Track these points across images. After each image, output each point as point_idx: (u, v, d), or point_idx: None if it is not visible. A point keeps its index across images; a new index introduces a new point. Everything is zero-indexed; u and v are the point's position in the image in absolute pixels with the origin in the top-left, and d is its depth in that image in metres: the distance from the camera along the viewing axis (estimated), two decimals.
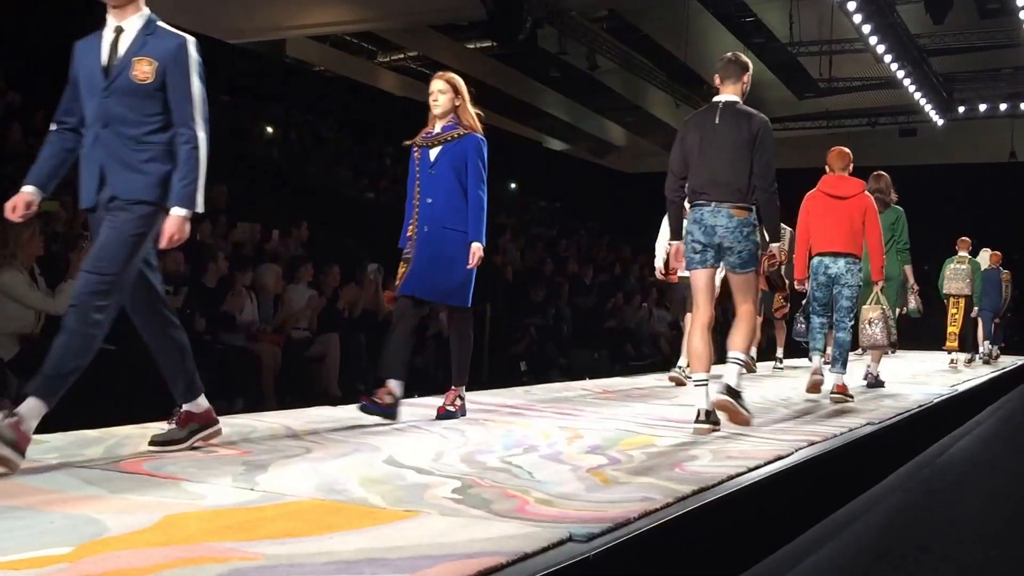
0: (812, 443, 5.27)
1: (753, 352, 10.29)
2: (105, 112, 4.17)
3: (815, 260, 7.85)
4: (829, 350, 8.34)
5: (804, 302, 10.04)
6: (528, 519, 3.24)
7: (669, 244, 5.94)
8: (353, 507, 3.39)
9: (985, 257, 14.92)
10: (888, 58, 20.31)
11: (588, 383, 8.95)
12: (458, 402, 5.95)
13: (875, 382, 9.06)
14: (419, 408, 6.25)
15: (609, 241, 22.09)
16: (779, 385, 9.07)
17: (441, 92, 5.89)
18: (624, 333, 15.70)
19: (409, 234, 5.82)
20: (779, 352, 11.57)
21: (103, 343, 4.18)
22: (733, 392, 5.57)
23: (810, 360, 8.34)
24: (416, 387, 8.66)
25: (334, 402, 6.90)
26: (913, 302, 9.90)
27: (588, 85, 26.94)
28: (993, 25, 21.30)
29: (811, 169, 8.70)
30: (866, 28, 18.80)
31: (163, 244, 4.19)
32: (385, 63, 27.59)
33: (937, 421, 8.16)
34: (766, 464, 4.53)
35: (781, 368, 11.03)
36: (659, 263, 8.99)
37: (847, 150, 8.14)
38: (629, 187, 27.85)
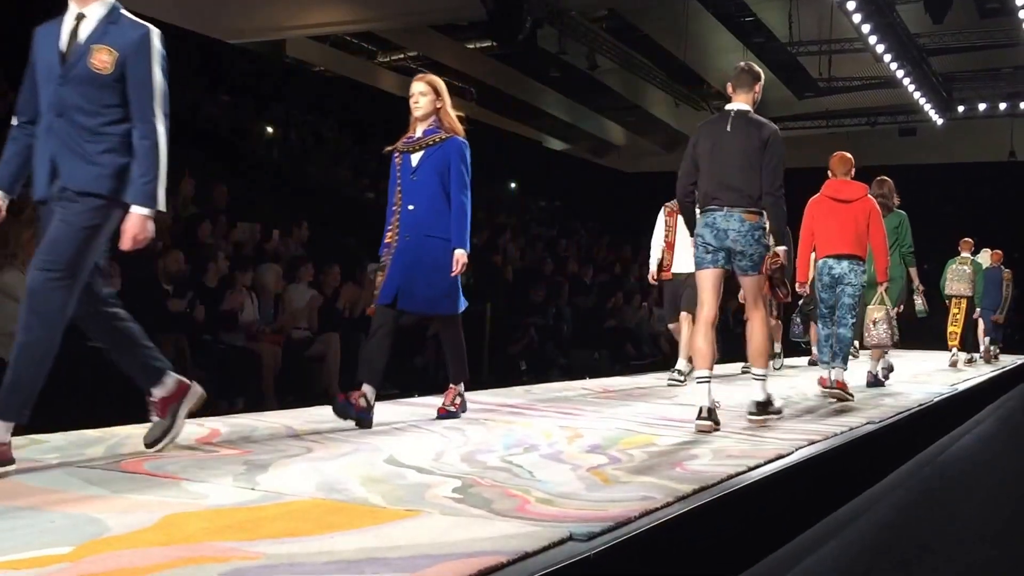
0: (812, 442, 5.28)
1: (777, 347, 10.33)
2: (60, 101, 3.97)
3: (820, 263, 7.97)
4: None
5: (801, 303, 10.05)
6: (529, 518, 3.25)
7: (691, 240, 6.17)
8: (354, 506, 3.39)
9: (986, 256, 14.95)
10: (887, 58, 20.31)
11: (588, 382, 8.96)
12: (458, 400, 5.92)
13: (875, 381, 9.15)
14: (419, 408, 6.26)
15: (609, 241, 22.09)
16: (778, 385, 9.05)
17: (422, 94, 5.75)
18: (624, 333, 15.71)
19: (388, 240, 5.65)
20: (776, 348, 11.31)
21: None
22: (762, 407, 5.95)
23: (819, 364, 8.45)
24: (416, 387, 8.68)
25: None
26: (919, 303, 9.98)
27: (588, 85, 26.93)
28: (992, 25, 21.30)
29: (811, 169, 8.74)
30: (865, 28, 18.79)
31: (126, 245, 3.98)
32: (385, 63, 27.57)
33: (937, 420, 8.16)
34: (766, 463, 4.54)
35: (778, 368, 10.96)
36: (653, 267, 9.01)
37: (849, 155, 8.22)
38: (629, 187, 27.83)
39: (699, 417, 5.58)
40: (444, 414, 5.82)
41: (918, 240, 9.71)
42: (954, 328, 13.90)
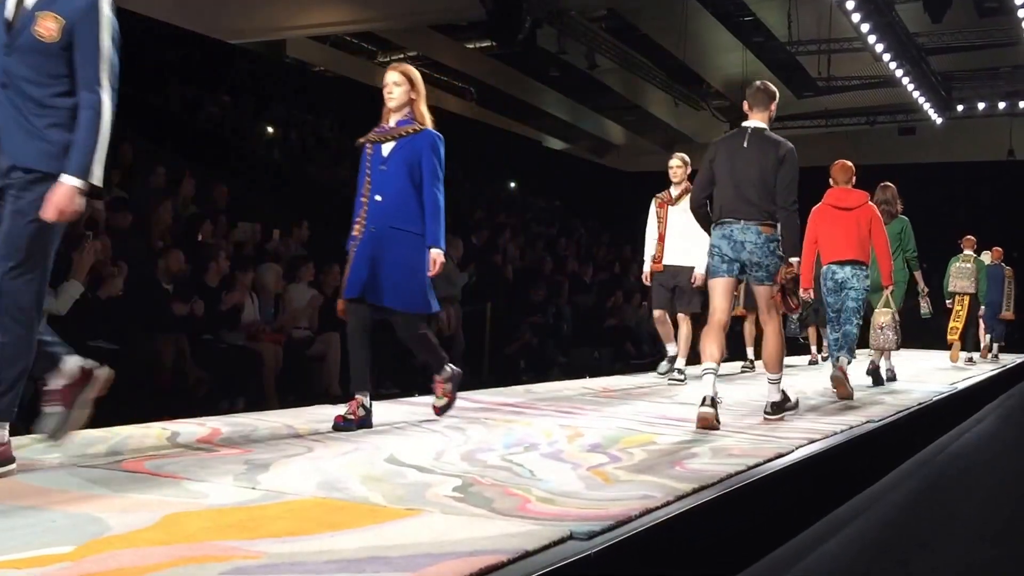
0: (812, 441, 5.29)
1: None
2: (6, 71, 3.75)
3: (824, 269, 8.22)
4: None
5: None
6: (529, 517, 3.25)
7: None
8: (354, 505, 3.39)
9: (986, 255, 14.97)
10: (887, 57, 20.32)
11: (589, 381, 8.96)
12: (448, 389, 5.81)
13: (874, 371, 9.30)
14: (420, 407, 6.26)
15: (609, 240, 22.10)
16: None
17: (396, 84, 5.49)
18: (624, 332, 15.72)
19: (355, 233, 5.43)
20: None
21: (106, 343, 4.12)
22: (777, 406, 6.17)
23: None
24: (416, 387, 8.68)
25: (335, 401, 6.89)
26: (925, 306, 10.11)
27: (587, 84, 26.94)
28: (992, 24, 21.31)
29: (810, 168, 8.75)
30: (865, 27, 18.80)
31: (48, 215, 3.66)
32: (385, 63, 27.55)
33: (937, 419, 8.17)
34: (766, 462, 4.54)
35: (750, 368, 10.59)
36: (647, 267, 8.98)
37: (850, 164, 8.46)
38: (628, 186, 27.82)
39: (702, 404, 5.72)
40: (440, 411, 5.79)
41: (918, 239, 9.83)
42: (956, 323, 13.97)
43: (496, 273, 14.79)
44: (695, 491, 3.79)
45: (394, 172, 5.39)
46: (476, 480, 3.87)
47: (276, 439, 4.80)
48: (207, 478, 3.77)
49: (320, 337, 9.77)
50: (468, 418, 5.85)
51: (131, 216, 9.46)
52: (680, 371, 9.01)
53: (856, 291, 8.10)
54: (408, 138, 5.44)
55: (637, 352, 15.35)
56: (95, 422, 4.93)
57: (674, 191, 8.93)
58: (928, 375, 11.06)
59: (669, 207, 8.90)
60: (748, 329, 10.58)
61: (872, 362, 9.34)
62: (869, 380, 9.15)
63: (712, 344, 5.98)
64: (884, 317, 8.70)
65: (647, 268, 9.03)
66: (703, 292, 9.06)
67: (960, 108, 25.12)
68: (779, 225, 6.05)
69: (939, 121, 25.01)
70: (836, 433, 5.67)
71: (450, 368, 5.84)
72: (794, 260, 6.17)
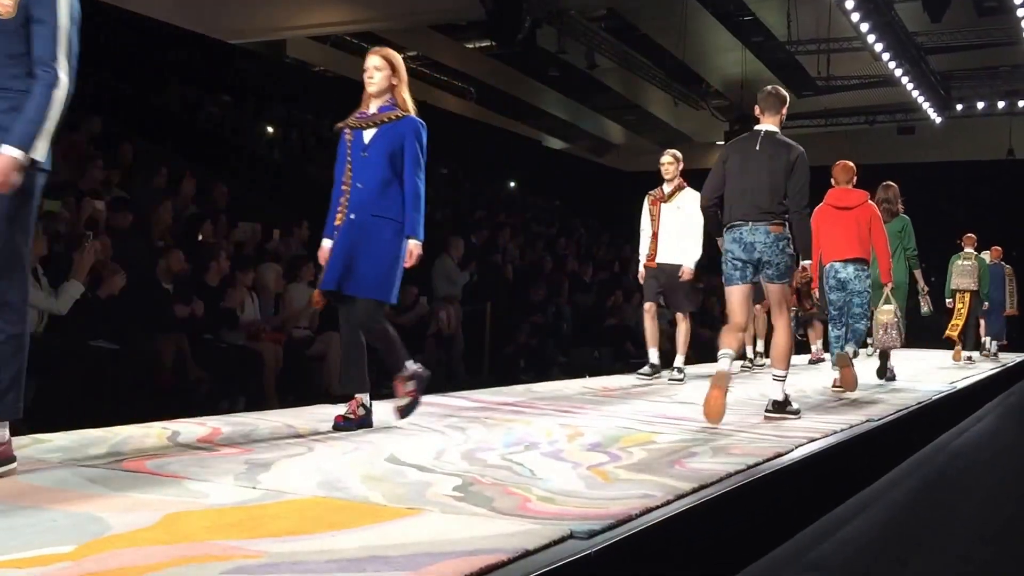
0: (812, 440, 5.29)
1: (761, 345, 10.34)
2: None
3: (827, 267, 8.38)
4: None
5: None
6: (529, 516, 3.25)
7: (718, 240, 6.55)
8: (355, 505, 3.40)
9: (985, 254, 15.01)
10: (886, 56, 20.34)
11: (588, 381, 8.96)
12: (410, 387, 5.50)
13: (892, 376, 9.55)
14: (420, 407, 6.26)
15: (608, 239, 22.10)
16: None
17: (377, 69, 5.31)
18: (624, 331, 15.70)
19: (337, 223, 5.29)
20: (760, 347, 11.17)
21: (106, 343, 4.11)
22: (779, 405, 6.22)
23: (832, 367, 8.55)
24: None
25: (335, 401, 6.90)
26: (925, 306, 10.18)
27: (587, 84, 26.96)
28: (991, 23, 21.33)
29: (810, 168, 8.77)
30: (864, 26, 18.82)
31: None
32: None
33: (937, 418, 8.18)
34: (766, 461, 4.55)
35: (763, 365, 10.66)
36: (642, 267, 8.94)
37: (851, 164, 8.63)
38: (628, 185, 27.84)
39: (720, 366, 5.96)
40: (403, 412, 5.47)
41: (917, 239, 9.88)
42: (957, 321, 14.03)
43: (496, 273, 14.80)
44: (695, 490, 3.79)
45: (375, 159, 5.24)
46: (476, 479, 3.87)
47: (276, 439, 4.81)
48: (208, 478, 3.78)
49: (320, 337, 9.77)
50: (468, 417, 5.85)
51: (131, 216, 9.47)
52: (680, 370, 9.01)
53: (861, 295, 8.34)
54: (390, 124, 5.27)
55: (637, 351, 15.32)
56: (96, 422, 4.95)
57: (667, 188, 8.90)
58: (928, 374, 11.06)
59: (662, 204, 8.86)
60: (748, 328, 10.52)
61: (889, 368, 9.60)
62: (874, 379, 9.30)
63: (729, 338, 6.13)
64: (887, 316, 8.82)
65: (641, 268, 9.01)
66: (695, 289, 9.06)
67: (959, 107, 25.14)
68: (787, 225, 6.17)
69: (938, 120, 25.02)
70: (836, 432, 5.68)
71: (413, 366, 5.58)
72: (806, 263, 6.34)
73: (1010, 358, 15.42)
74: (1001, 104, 25.25)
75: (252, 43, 22.22)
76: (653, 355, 8.89)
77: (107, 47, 15.75)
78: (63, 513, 3.15)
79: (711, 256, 10.62)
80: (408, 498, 3.50)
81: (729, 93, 26.53)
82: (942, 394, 8.73)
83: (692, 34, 22.43)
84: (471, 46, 26.27)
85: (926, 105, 24.08)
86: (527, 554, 2.79)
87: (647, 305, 8.96)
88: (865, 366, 9.34)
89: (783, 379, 6.30)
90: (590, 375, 9.71)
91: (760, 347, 11.23)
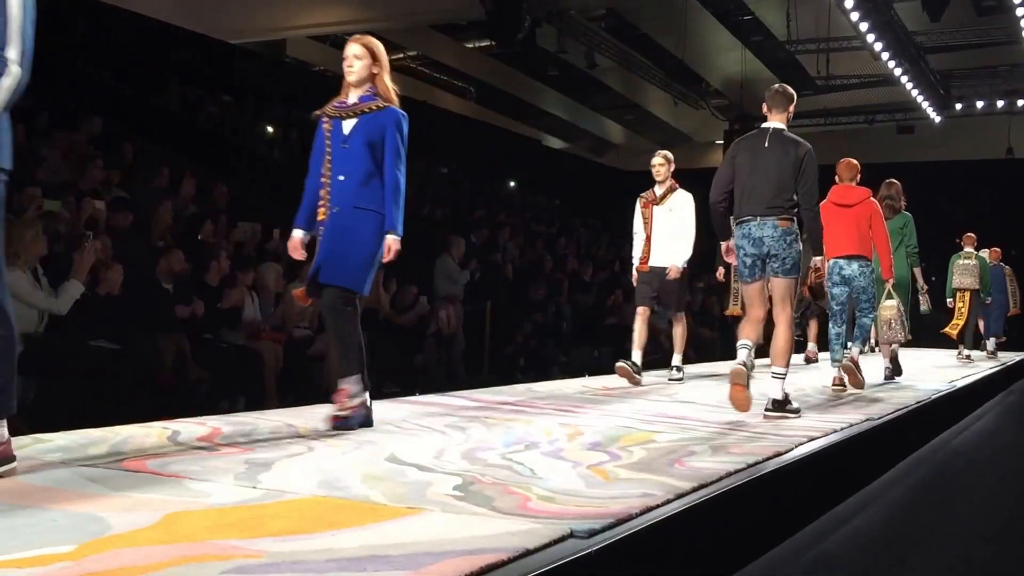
0: (812, 439, 5.29)
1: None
2: None
3: (831, 263, 8.43)
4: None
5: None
6: (529, 516, 3.26)
7: (721, 244, 6.67)
8: (355, 504, 3.40)
9: (984, 254, 15.05)
10: (885, 55, 20.34)
11: (588, 380, 8.96)
12: (352, 403, 5.18)
13: (890, 374, 9.64)
14: (420, 406, 6.28)
15: (608, 239, 22.11)
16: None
17: (357, 57, 5.17)
18: (624, 330, 15.65)
19: (321, 217, 5.14)
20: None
21: (107, 343, 4.11)
22: (779, 404, 6.24)
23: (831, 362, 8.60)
24: (417, 385, 8.70)
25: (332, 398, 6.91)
26: (924, 303, 10.23)
27: (587, 83, 26.96)
28: (990, 22, 21.34)
29: None
30: (863, 26, 18.82)
31: None
32: None
33: (936, 417, 8.18)
34: (765, 460, 4.55)
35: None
36: (635, 273, 8.82)
37: (855, 162, 8.73)
38: (628, 185, 27.85)
39: (737, 363, 6.12)
40: (337, 422, 5.11)
41: (917, 237, 9.88)
42: (958, 321, 14.09)
43: (496, 272, 14.81)
44: (695, 489, 3.79)
45: (356, 151, 5.11)
46: (476, 479, 3.87)
47: (277, 438, 4.81)
48: (208, 477, 3.78)
49: (320, 336, 9.77)
50: (468, 417, 5.86)
51: (131, 216, 9.47)
52: (678, 368, 8.98)
53: (867, 292, 8.52)
54: (371, 115, 5.16)
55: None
56: (96, 422, 4.95)
57: (658, 190, 8.73)
58: (927, 373, 11.06)
59: (654, 207, 8.69)
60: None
61: (886, 368, 9.73)
62: (881, 379, 9.46)
63: (748, 328, 6.32)
64: (889, 312, 9.03)
65: (635, 271, 8.84)
66: (686, 288, 8.98)
67: (959, 106, 25.15)
68: (796, 220, 6.28)
69: (938, 120, 25.03)
70: (836, 431, 5.68)
71: (364, 392, 5.28)
72: (818, 259, 6.55)
73: (1010, 357, 15.43)
74: (1000, 103, 25.25)
75: (252, 43, 22.23)
76: (636, 356, 8.66)
77: (107, 47, 15.78)
78: (63, 513, 3.15)
79: (706, 255, 10.63)
80: (408, 497, 3.50)
81: (729, 92, 26.53)
82: (941, 393, 8.73)
83: (692, 34, 22.43)
84: (471, 46, 26.27)
85: (925, 104, 24.09)
86: (527, 553, 2.79)
87: (639, 309, 8.75)
88: (866, 364, 9.33)
89: (783, 377, 6.31)
90: (590, 374, 9.69)
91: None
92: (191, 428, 5.07)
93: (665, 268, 8.56)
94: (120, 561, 2.64)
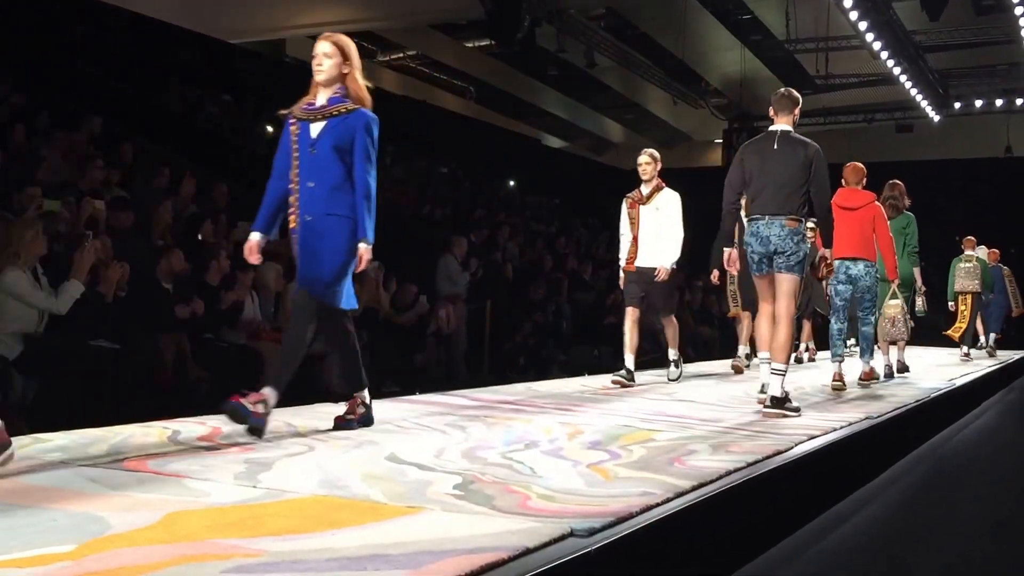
0: (812, 437, 5.30)
1: (744, 349, 10.25)
2: None
3: (836, 263, 8.57)
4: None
5: None
6: (529, 514, 3.26)
7: (724, 250, 6.95)
8: (355, 503, 3.40)
9: (983, 254, 15.11)
10: (884, 55, 20.36)
11: (588, 379, 8.96)
12: (359, 409, 5.23)
13: (890, 372, 9.82)
14: (420, 405, 6.28)
15: (608, 238, 22.09)
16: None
17: (326, 56, 4.99)
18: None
19: (292, 226, 5.00)
20: (744, 350, 10.54)
21: (107, 343, 4.11)
22: (778, 401, 6.28)
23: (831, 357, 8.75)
24: (417, 385, 8.69)
25: (336, 399, 6.91)
26: (920, 303, 10.33)
27: (586, 83, 26.99)
28: (988, 21, 21.38)
29: None
30: (862, 25, 18.84)
31: None
32: (385, 62, 27.60)
33: (936, 415, 8.19)
34: (765, 459, 4.55)
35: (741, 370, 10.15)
36: (622, 274, 8.69)
37: (861, 166, 8.95)
38: (627, 184, 27.85)
39: (761, 391, 6.49)
40: (341, 423, 5.15)
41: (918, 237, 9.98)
42: (960, 324, 14.19)
43: (496, 271, 14.81)
44: (695, 488, 3.80)
45: (324, 155, 4.93)
46: (476, 478, 3.88)
47: (277, 437, 4.81)
48: (208, 477, 3.78)
49: (320, 336, 9.76)
50: (468, 416, 5.86)
51: (131, 216, 9.47)
52: (675, 363, 8.91)
53: (871, 291, 8.76)
54: (340, 118, 4.96)
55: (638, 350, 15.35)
56: (96, 421, 4.95)
57: (644, 189, 8.54)
58: (927, 371, 11.07)
59: (640, 207, 8.49)
60: (746, 326, 10.35)
61: (898, 360, 10.08)
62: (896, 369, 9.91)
63: (766, 334, 6.58)
64: (893, 310, 9.42)
65: (622, 272, 8.64)
66: (673, 290, 8.89)
67: (957, 105, 25.19)
68: (803, 221, 6.47)
69: (936, 118, 25.07)
70: (835, 429, 5.69)
71: (368, 396, 5.33)
72: (827, 251, 6.78)
73: (1009, 355, 15.45)
74: (999, 102, 25.29)
75: (252, 43, 22.23)
76: (629, 361, 8.49)
77: (107, 47, 15.78)
78: (63, 512, 3.16)
79: (701, 255, 10.59)
80: (409, 496, 3.51)
81: (728, 92, 26.55)
82: (941, 391, 8.75)
83: (691, 33, 22.46)
84: (471, 45, 26.29)
85: (924, 103, 24.12)
86: (527, 552, 2.80)
87: (629, 310, 8.56)
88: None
89: (783, 373, 6.36)
90: (589, 373, 9.69)
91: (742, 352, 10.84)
92: (191, 428, 5.07)
93: (653, 268, 8.37)
94: (120, 561, 2.65)
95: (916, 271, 10.06)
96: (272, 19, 21.46)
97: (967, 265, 14.18)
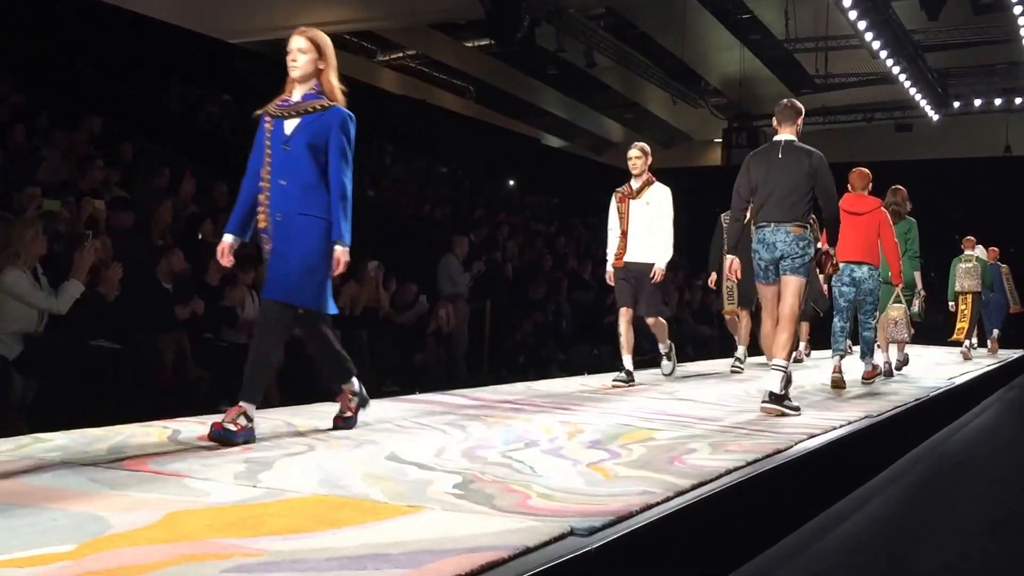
0: (811, 436, 5.30)
1: (741, 351, 10.21)
2: None
3: (841, 266, 8.69)
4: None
5: None
6: (529, 513, 3.27)
7: (727, 257, 7.10)
8: (356, 503, 3.41)
9: (982, 253, 15.15)
10: (883, 54, 20.37)
11: (588, 378, 8.96)
12: (352, 403, 5.18)
13: (890, 370, 9.94)
14: (420, 405, 6.28)
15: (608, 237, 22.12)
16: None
17: (301, 51, 4.84)
18: None
19: (261, 225, 4.80)
20: (741, 352, 10.35)
21: (107, 342, 4.11)
22: (776, 398, 6.30)
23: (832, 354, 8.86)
24: (416, 385, 8.69)
25: (336, 399, 6.91)
26: (917, 306, 10.42)
27: (586, 82, 26.99)
28: (987, 21, 21.40)
29: None
30: (861, 24, 18.85)
31: None
32: (385, 62, 27.61)
33: (935, 414, 8.20)
34: (765, 458, 4.56)
35: (739, 370, 10.01)
36: (610, 267, 8.48)
37: (867, 171, 9.13)
38: (627, 183, 27.88)
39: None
40: (341, 423, 5.12)
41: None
42: (962, 324, 14.25)
43: (496, 271, 14.81)
44: (694, 487, 3.80)
45: (298, 153, 4.74)
46: (476, 477, 3.88)
47: (277, 437, 4.81)
48: (208, 476, 3.79)
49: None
50: (468, 415, 5.86)
51: (131, 216, 9.47)
52: (668, 356, 8.91)
53: (873, 294, 8.87)
54: (314, 115, 4.80)
55: (636, 349, 15.35)
56: (96, 421, 4.95)
57: (635, 184, 8.38)
58: (926, 370, 11.08)
59: (631, 201, 8.36)
60: (744, 324, 10.29)
61: (898, 359, 10.33)
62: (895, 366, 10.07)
63: (772, 335, 6.68)
64: (897, 312, 9.60)
65: (610, 268, 8.50)
66: (661, 291, 8.77)
67: (956, 105, 25.22)
68: (808, 227, 6.63)
69: (935, 118, 25.08)
70: (835, 428, 5.69)
71: (358, 383, 5.23)
72: (832, 248, 6.90)
73: (1008, 354, 15.47)
74: (998, 101, 25.32)
75: (252, 43, 22.22)
76: (627, 361, 8.41)
77: (107, 47, 15.77)
78: (63, 512, 3.16)
79: (698, 255, 10.56)
80: (409, 496, 3.51)
81: (727, 91, 26.56)
82: (941, 390, 8.77)
83: (691, 32, 22.47)
84: (470, 45, 26.30)
85: (923, 102, 24.13)
86: (527, 551, 2.80)
87: (622, 311, 8.45)
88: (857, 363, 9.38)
89: (783, 369, 6.35)
90: (589, 373, 9.68)
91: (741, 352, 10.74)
92: (191, 427, 5.07)
93: (643, 264, 8.24)
94: (120, 560, 2.65)
95: (916, 275, 10.23)
96: (272, 19, 21.45)
97: (967, 265, 14.25)
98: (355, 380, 5.20)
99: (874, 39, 19.50)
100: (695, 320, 17.49)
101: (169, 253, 8.83)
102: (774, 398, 6.27)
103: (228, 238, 4.94)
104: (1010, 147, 26.68)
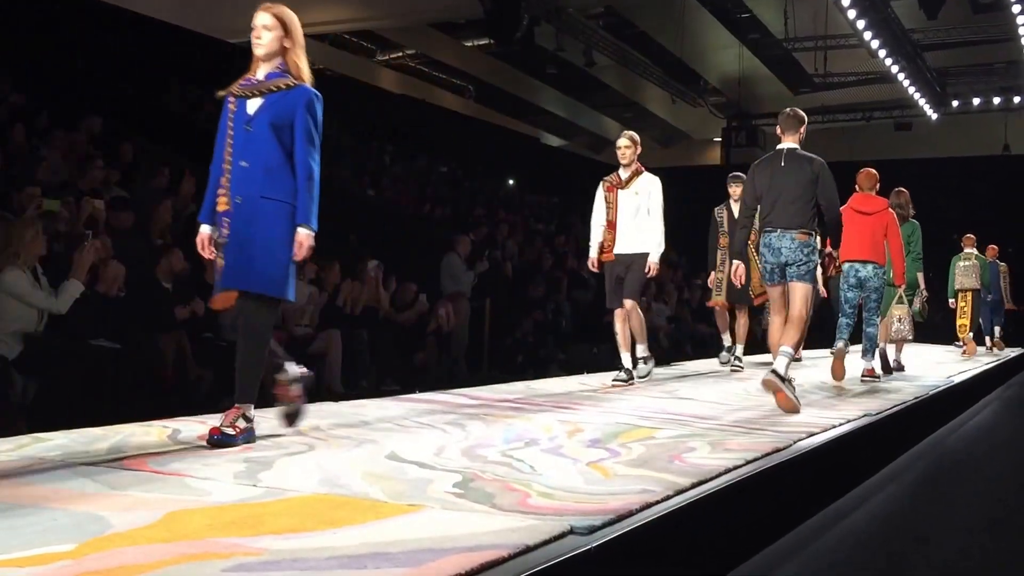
0: (811, 434, 5.30)
1: (739, 350, 10.23)
2: None
3: (846, 266, 8.98)
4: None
5: None
6: (529, 512, 3.27)
7: (732, 262, 7.44)
8: (356, 502, 3.41)
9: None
10: (882, 53, 20.37)
11: (587, 377, 8.97)
12: (240, 423, 4.57)
13: (897, 366, 10.29)
14: (420, 404, 6.29)
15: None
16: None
17: (266, 28, 4.60)
18: None
19: (221, 208, 4.55)
20: (739, 351, 10.28)
21: (107, 342, 4.11)
22: (780, 377, 6.41)
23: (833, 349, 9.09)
24: (416, 384, 8.70)
25: (336, 398, 6.92)
26: (918, 305, 10.52)
27: (585, 81, 26.99)
28: (986, 20, 21.41)
29: None
30: (860, 23, 18.86)
31: None
32: (384, 61, 27.61)
33: (935, 412, 8.21)
34: (764, 456, 4.56)
35: (739, 368, 10.00)
36: (593, 253, 8.37)
37: (875, 172, 9.28)
38: None
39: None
40: (216, 435, 4.48)
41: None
42: (963, 321, 14.35)
43: (495, 270, 14.81)
44: (694, 485, 3.80)
45: (261, 133, 4.52)
46: (476, 476, 3.88)
47: (277, 436, 4.81)
48: (208, 476, 3.79)
49: (321, 335, 9.78)
50: (468, 414, 5.86)
51: (131, 215, 9.48)
52: (646, 359, 8.48)
53: (877, 292, 9.03)
54: (279, 94, 4.57)
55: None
56: (96, 421, 4.95)
57: (623, 173, 8.20)
58: (926, 368, 11.09)
59: (619, 191, 8.18)
60: (741, 322, 10.24)
61: (895, 359, 10.41)
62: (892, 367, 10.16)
63: (775, 325, 6.96)
64: (899, 312, 9.91)
65: (593, 255, 8.36)
66: (645, 280, 8.56)
67: (955, 104, 25.25)
68: (813, 234, 6.83)
69: (934, 117, 25.09)
70: (834, 427, 5.69)
71: (294, 367, 4.95)
72: (834, 252, 7.36)
73: (1007, 352, 15.50)
74: (996, 100, 25.33)
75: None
76: (626, 359, 8.30)
77: (107, 47, 15.77)
78: (64, 512, 3.16)
79: (699, 253, 10.57)
80: (409, 495, 3.51)
81: (727, 90, 26.56)
82: (940, 388, 8.77)
83: (690, 31, 22.47)
84: (470, 44, 26.30)
85: (922, 101, 24.13)
86: (527, 550, 2.80)
87: (617, 312, 8.36)
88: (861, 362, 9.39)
89: (790, 356, 6.56)
90: (589, 372, 9.69)
91: (740, 351, 10.68)
92: (191, 427, 5.07)
93: (631, 255, 8.09)
94: (120, 560, 2.65)
95: (919, 276, 10.39)
96: None
97: (966, 263, 14.36)
98: (252, 409, 4.71)
99: (873, 38, 19.51)
100: (693, 319, 17.50)
101: (169, 253, 8.84)
102: (777, 375, 6.38)
103: (205, 228, 4.65)
104: (1009, 146, 26.69)
